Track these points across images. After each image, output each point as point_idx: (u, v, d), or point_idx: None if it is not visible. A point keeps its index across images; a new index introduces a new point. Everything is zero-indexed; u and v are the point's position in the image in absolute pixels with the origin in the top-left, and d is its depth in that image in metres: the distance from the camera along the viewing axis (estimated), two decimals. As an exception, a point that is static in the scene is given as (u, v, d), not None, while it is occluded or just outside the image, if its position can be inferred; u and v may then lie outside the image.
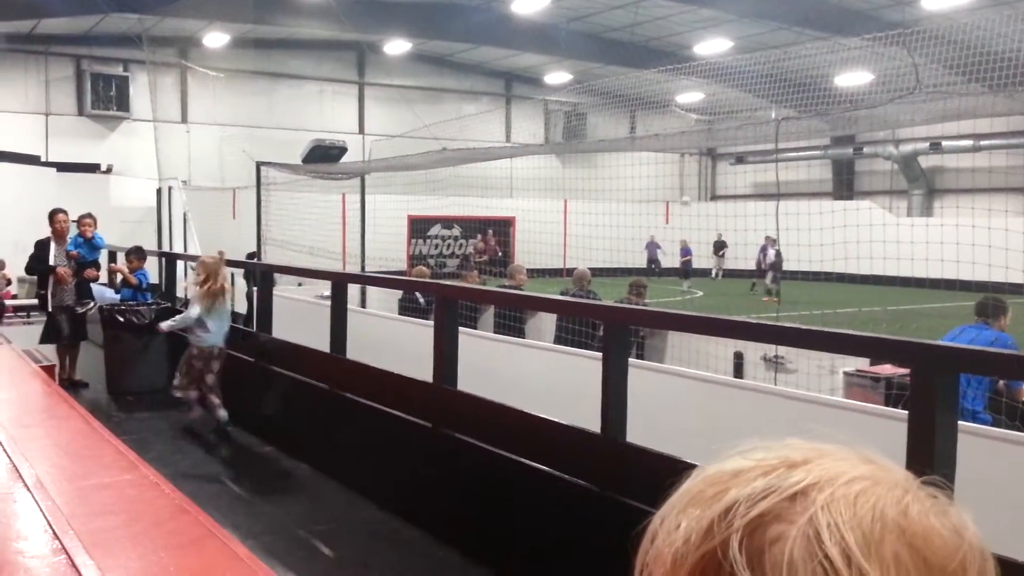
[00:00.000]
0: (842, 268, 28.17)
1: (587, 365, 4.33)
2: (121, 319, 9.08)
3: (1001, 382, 5.32)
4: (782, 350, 6.90)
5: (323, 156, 15.95)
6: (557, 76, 32.25)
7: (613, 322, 3.59)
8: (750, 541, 0.59)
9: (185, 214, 19.78)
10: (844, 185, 35.11)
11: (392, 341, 7.16)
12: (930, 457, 2.32)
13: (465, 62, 33.28)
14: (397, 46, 29.71)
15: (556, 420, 3.86)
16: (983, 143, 28.72)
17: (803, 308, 18.11)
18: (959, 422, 4.34)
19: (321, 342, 5.98)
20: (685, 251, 28.39)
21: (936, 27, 19.02)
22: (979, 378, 5.27)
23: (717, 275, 31.07)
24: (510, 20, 25.85)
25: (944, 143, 29.38)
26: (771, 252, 24.60)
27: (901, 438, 2.48)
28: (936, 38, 18.40)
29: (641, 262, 27.40)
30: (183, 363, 7.19)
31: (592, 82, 26.46)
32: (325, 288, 7.77)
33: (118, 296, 10.31)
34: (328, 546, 4.58)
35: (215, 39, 27.64)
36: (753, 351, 7.25)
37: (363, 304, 11.22)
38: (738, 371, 7.21)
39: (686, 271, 27.87)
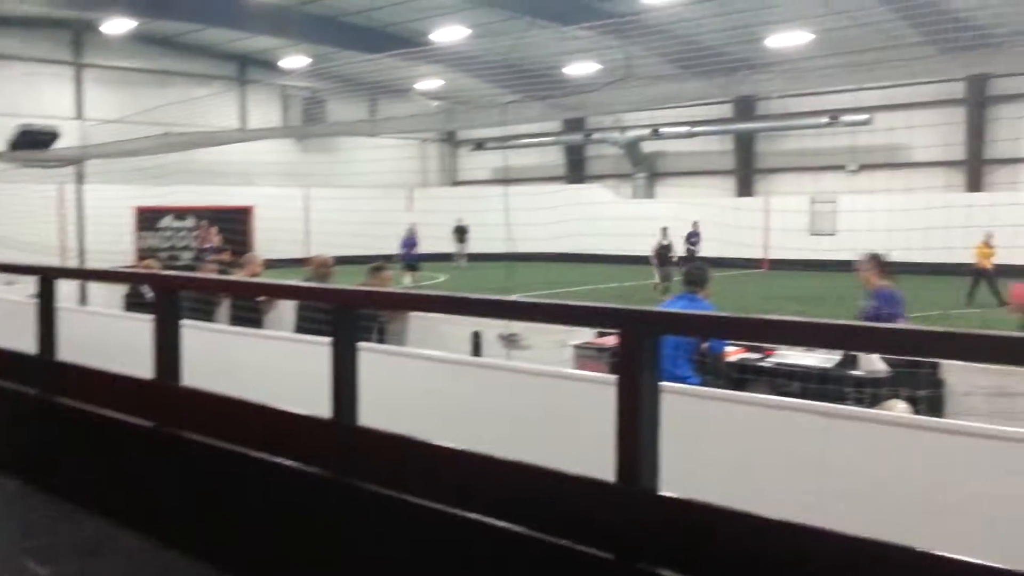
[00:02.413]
0: (576, 248, 29.79)
1: (327, 352, 4.26)
2: None
3: (705, 345, 5.81)
4: (516, 327, 7.13)
5: (32, 143, 14.60)
6: (294, 60, 31.42)
7: (340, 304, 3.54)
8: None
9: None
10: (576, 169, 36.89)
11: (117, 340, 6.69)
12: (636, 414, 2.46)
13: (195, 44, 31.66)
14: (118, 25, 27.61)
15: (285, 409, 3.76)
16: (697, 129, 31.19)
17: (541, 288, 18.85)
18: (671, 384, 4.67)
19: (34, 344, 5.47)
20: (408, 242, 26.17)
21: (654, 19, 20.38)
22: (687, 346, 5.73)
23: (460, 260, 31.37)
24: (242, 1, 24.84)
25: (663, 129, 31.58)
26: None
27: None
28: (653, 30, 19.71)
29: (387, 248, 27.13)
30: None
31: (330, 66, 26.04)
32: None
33: None
34: (42, 563, 4.21)
35: None
36: (490, 330, 7.44)
37: (83, 302, 10.41)
38: (476, 350, 7.38)
39: (410, 263, 25.64)
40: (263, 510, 3.79)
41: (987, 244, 19.06)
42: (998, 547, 3.11)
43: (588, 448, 2.75)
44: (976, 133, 27.40)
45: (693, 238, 24.98)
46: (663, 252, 22.25)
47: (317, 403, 3.56)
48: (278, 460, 3.69)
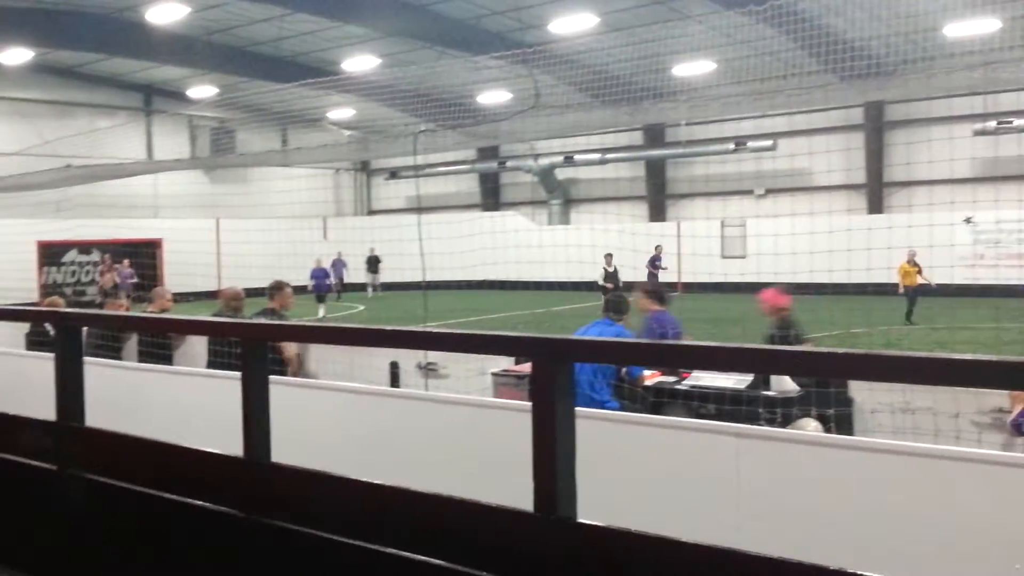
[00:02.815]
0: (493, 275, 29.86)
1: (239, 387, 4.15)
2: None
3: (624, 371, 5.87)
4: (433, 356, 7.09)
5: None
6: (202, 90, 30.85)
7: (250, 339, 3.46)
8: None
9: None
10: (492, 197, 37.06)
11: (18, 380, 6.42)
12: (552, 442, 2.45)
13: (98, 73, 30.86)
14: (16, 55, 26.69)
15: (196, 448, 3.64)
16: (608, 156, 31.71)
17: (459, 316, 18.83)
18: (589, 409, 4.69)
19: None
20: (319, 273, 26.07)
21: (563, 49, 20.68)
22: (604, 371, 5.78)
23: (374, 290, 31.00)
24: (146, 30, 24.31)
25: (576, 156, 32.01)
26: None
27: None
28: (562, 60, 20.00)
29: (301, 279, 26.74)
30: None
31: (239, 96, 25.70)
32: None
33: None
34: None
35: None
36: (406, 360, 7.38)
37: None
38: (394, 380, 7.30)
39: (327, 295, 25.74)
40: (176, 554, 3.66)
41: (911, 262, 19.77)
42: (911, 560, 3.19)
43: (508, 477, 2.73)
44: (875, 157, 28.50)
45: (657, 261, 25.11)
46: (611, 279, 21.73)
47: (232, 440, 3.47)
48: (189, 501, 3.58)
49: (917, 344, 16.12)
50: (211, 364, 7.62)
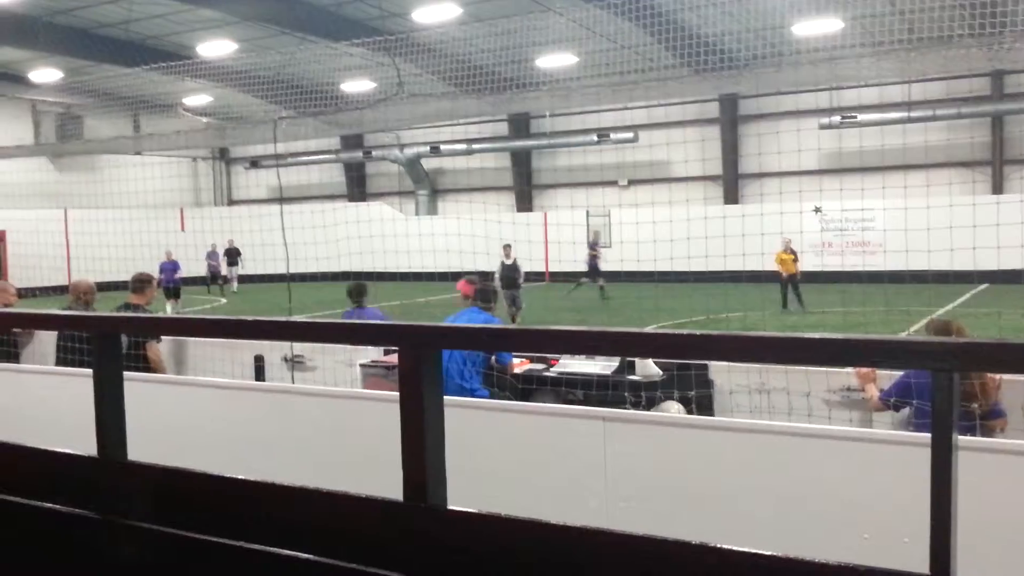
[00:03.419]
0: (359, 266, 29.47)
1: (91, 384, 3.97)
2: None
3: (493, 358, 5.90)
4: (300, 349, 6.95)
5: None
6: (45, 73, 29.15)
7: (101, 332, 3.29)
8: None
9: None
10: (357, 187, 36.59)
11: None
12: (421, 430, 2.43)
13: (-74, 54, 28.74)
14: None
15: (47, 448, 3.45)
16: (475, 146, 31.81)
17: (326, 308, 18.48)
18: (460, 398, 4.69)
19: None
20: (168, 266, 24.38)
21: (426, 39, 20.59)
22: (474, 360, 5.80)
23: (231, 283, 30.10)
24: (-19, 8, 22.79)
25: (442, 147, 31.96)
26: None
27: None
28: (425, 48, 19.93)
29: (156, 270, 25.66)
30: None
31: (86, 80, 24.45)
32: None
33: None
34: None
35: None
36: (274, 353, 7.21)
37: None
38: (259, 374, 7.12)
39: (176, 290, 24.02)
40: (28, 559, 3.46)
41: (787, 250, 20.45)
42: (770, 533, 3.34)
43: (378, 468, 2.70)
44: (730, 149, 29.62)
45: (596, 247, 24.62)
46: (508, 274, 20.07)
47: (87, 439, 3.31)
48: (41, 504, 3.39)
49: (769, 327, 16.87)
50: (60, 362, 7.26)
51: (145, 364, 6.70)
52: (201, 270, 28.83)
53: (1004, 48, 12.87)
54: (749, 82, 18.10)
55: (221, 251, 29.87)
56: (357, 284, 8.21)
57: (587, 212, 29.81)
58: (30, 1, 22.79)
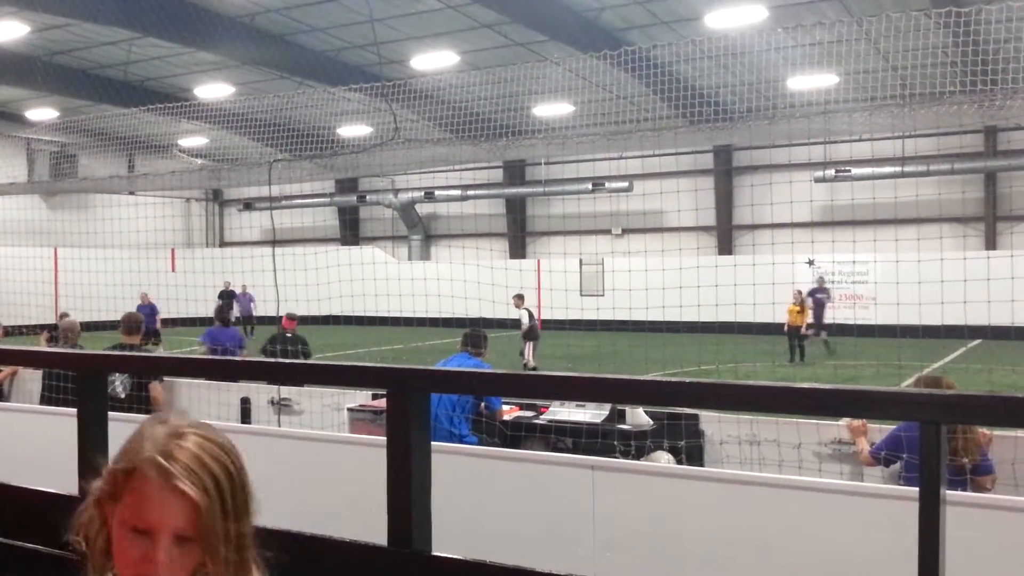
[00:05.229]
0: (350, 310, 29.44)
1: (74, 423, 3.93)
2: None
3: (483, 405, 5.86)
4: (287, 392, 6.90)
5: None
6: (42, 112, 29.31)
7: (87, 371, 3.27)
8: None
9: None
10: (350, 230, 36.66)
11: None
12: (407, 475, 2.41)
13: (-76, 92, 28.87)
14: None
15: (30, 487, 3.41)
16: (469, 192, 31.96)
17: (316, 351, 18.40)
18: (448, 444, 4.66)
19: None
20: (144, 309, 22.60)
21: (423, 85, 20.79)
22: (463, 406, 5.76)
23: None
24: (-19, 47, 22.94)
25: (437, 192, 32.09)
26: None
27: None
28: (422, 95, 20.10)
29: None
30: None
31: (83, 120, 24.55)
32: None
33: None
34: None
35: None
36: (261, 395, 7.16)
37: None
38: (245, 416, 7.06)
39: (154, 332, 23.05)
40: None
41: (797, 303, 20.47)
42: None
43: (364, 513, 2.67)
44: (724, 200, 29.81)
45: (820, 294, 23.48)
46: (530, 320, 19.99)
47: (68, 478, 3.27)
48: (22, 544, 3.34)
49: (760, 377, 16.84)
50: (45, 400, 7.21)
51: (148, 406, 6.66)
52: (197, 311, 28.18)
53: (995, 106, 13.05)
54: (743, 134, 18.30)
55: (252, 294, 28.48)
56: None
57: (580, 260, 29.90)
58: (30, 41, 22.97)
